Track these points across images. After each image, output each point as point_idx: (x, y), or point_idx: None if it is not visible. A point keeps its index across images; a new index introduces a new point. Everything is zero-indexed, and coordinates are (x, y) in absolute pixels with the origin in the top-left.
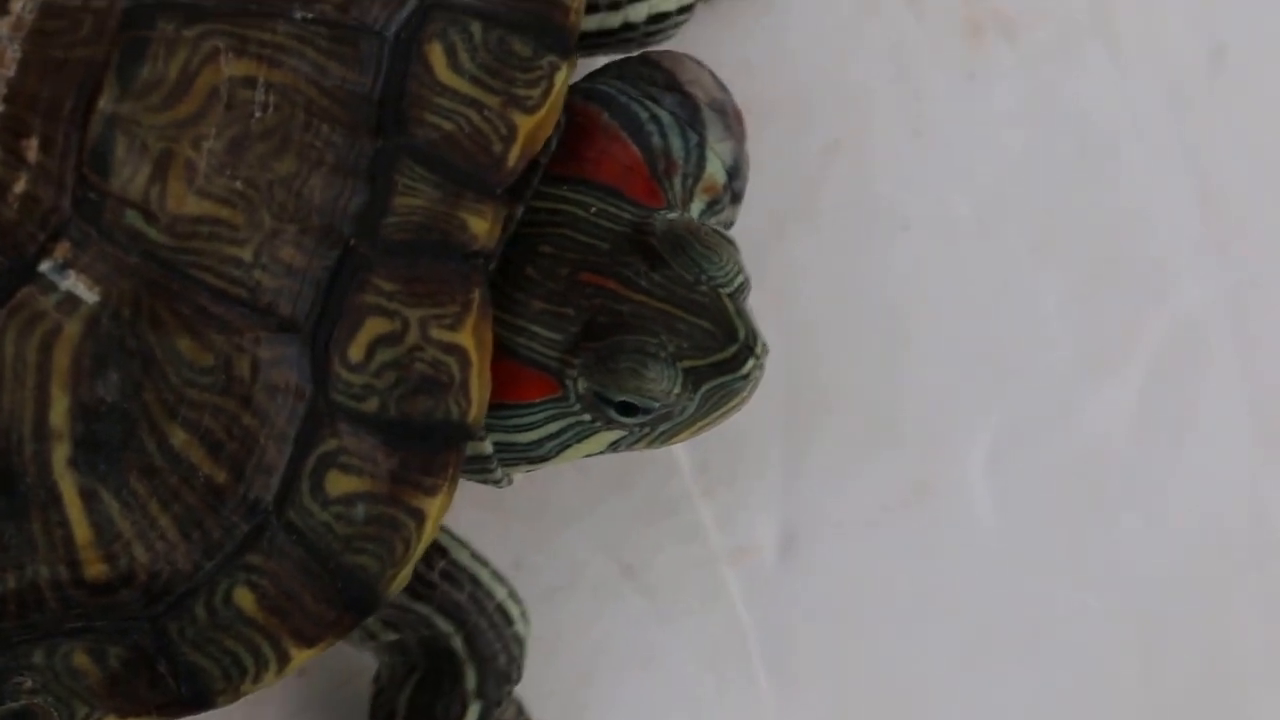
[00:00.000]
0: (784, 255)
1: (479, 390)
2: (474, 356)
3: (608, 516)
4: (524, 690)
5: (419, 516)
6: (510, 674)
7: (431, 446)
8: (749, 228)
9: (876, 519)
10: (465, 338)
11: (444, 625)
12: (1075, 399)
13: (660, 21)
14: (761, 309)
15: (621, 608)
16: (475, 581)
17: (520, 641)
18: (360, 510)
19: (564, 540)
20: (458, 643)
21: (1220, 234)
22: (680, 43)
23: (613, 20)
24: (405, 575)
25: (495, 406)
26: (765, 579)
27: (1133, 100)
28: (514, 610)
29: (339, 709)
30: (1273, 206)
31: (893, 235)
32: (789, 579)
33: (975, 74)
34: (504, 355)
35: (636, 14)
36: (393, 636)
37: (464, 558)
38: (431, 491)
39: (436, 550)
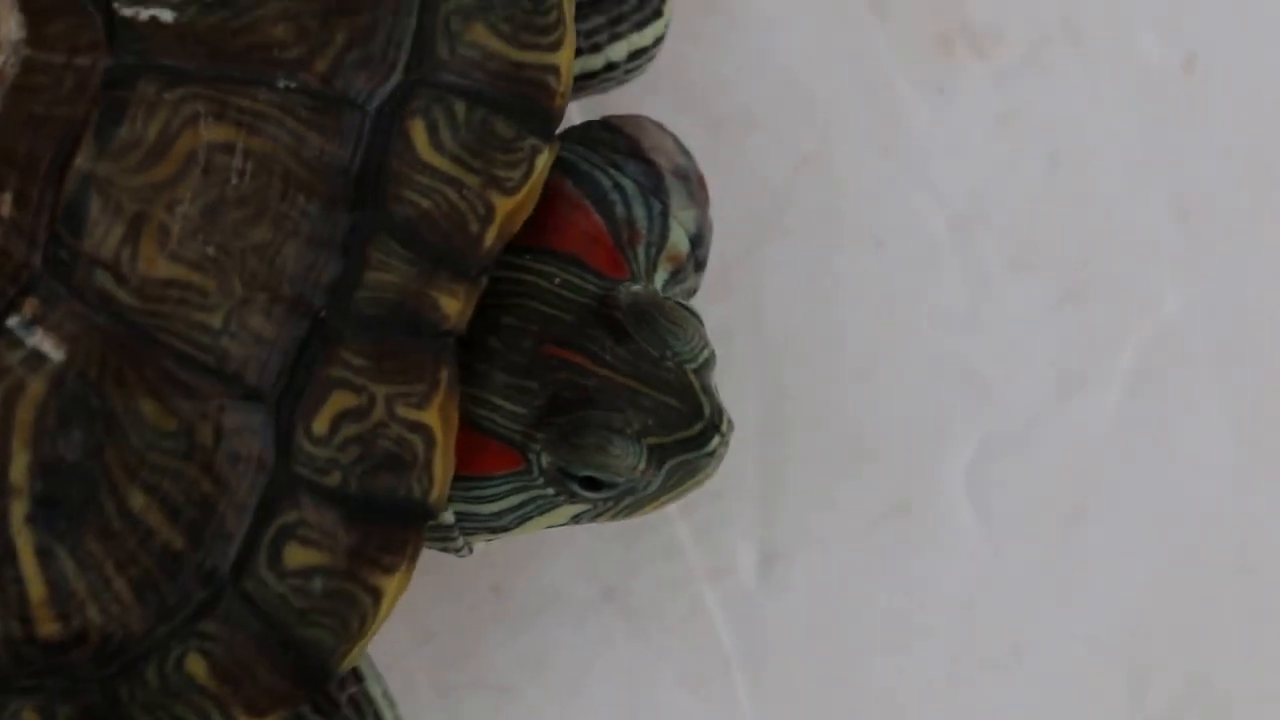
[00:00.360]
0: (757, 271)
1: (442, 470)
2: (439, 436)
3: (586, 538)
4: (509, 711)
5: (376, 594)
6: None
7: (392, 524)
8: (721, 243)
9: (856, 536)
10: (431, 417)
11: None
12: (1054, 412)
13: (639, 57)
14: (735, 325)
15: (602, 629)
16: (378, 717)
17: None
18: (318, 584)
19: (543, 563)
20: None
21: (1197, 244)
22: (652, 61)
23: (595, 62)
24: (359, 651)
25: (458, 477)
26: (745, 598)
27: (1105, 111)
28: None
29: None
30: (1248, 215)
31: (866, 251)
32: (768, 598)
33: (946, 88)
34: (466, 427)
35: (617, 53)
36: None
37: (376, 692)
38: (390, 569)
39: (353, 675)
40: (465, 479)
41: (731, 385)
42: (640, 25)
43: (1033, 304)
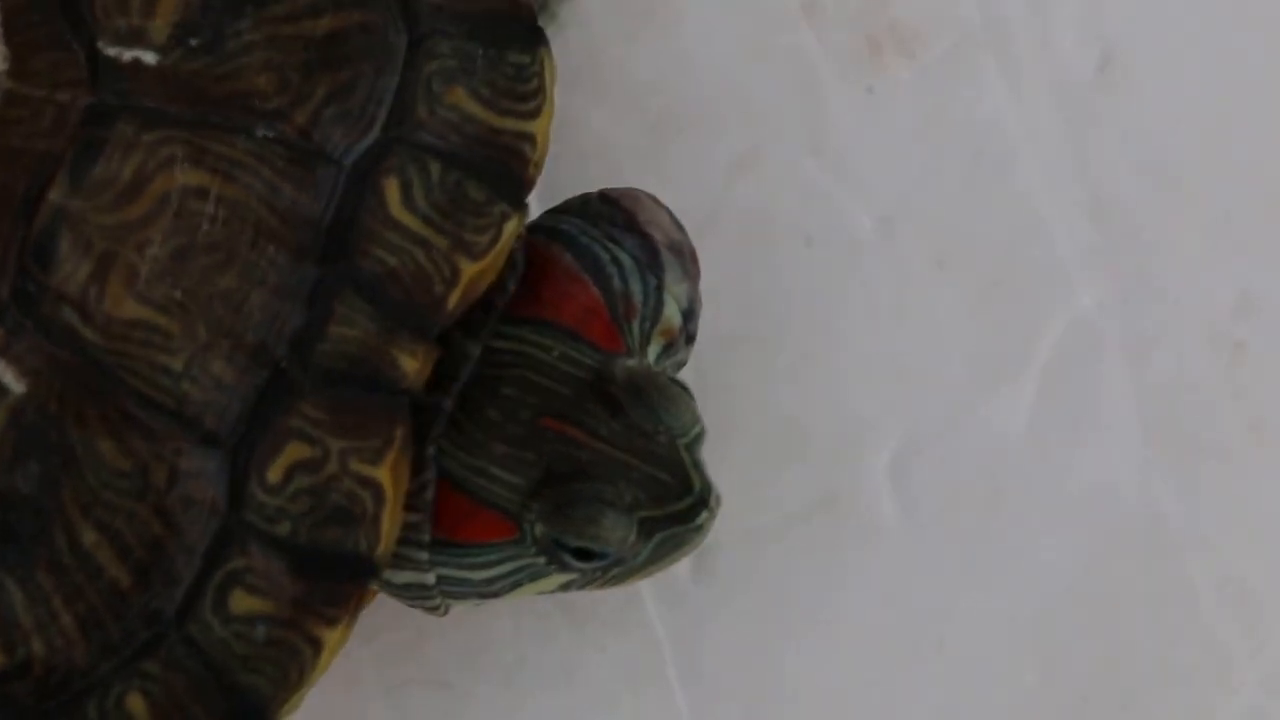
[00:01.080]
0: None
1: (389, 527)
2: (389, 493)
3: None
4: (449, 706)
5: (317, 645)
6: None
7: (337, 577)
8: None
9: (785, 530)
10: (383, 474)
11: None
12: (974, 405)
13: None
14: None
15: (540, 623)
16: None
17: None
18: (260, 631)
19: None
20: None
21: (1111, 240)
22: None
23: None
24: (297, 699)
25: (451, 544)
26: (679, 593)
27: (1026, 112)
28: None
29: None
30: (1160, 211)
31: (796, 250)
32: (702, 591)
33: (874, 89)
34: (461, 493)
35: None
36: None
37: None
38: (332, 622)
39: None
40: (459, 546)
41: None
42: None
43: (954, 301)
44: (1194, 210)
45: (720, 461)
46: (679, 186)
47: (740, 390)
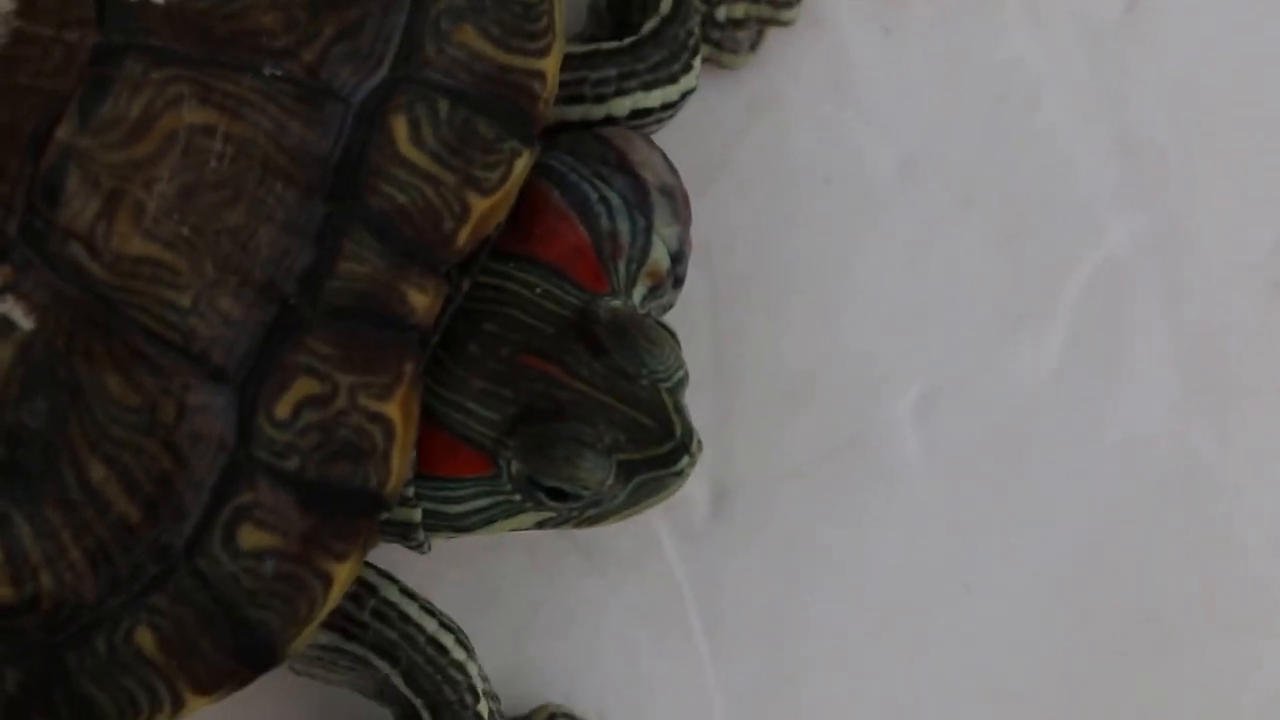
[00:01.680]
0: (708, 211)
1: (400, 462)
2: (399, 429)
3: None
4: None
5: (326, 580)
6: (463, 700)
7: (346, 512)
8: None
9: (807, 471)
10: (393, 409)
11: (381, 665)
12: (1002, 346)
13: (643, 117)
14: (690, 263)
15: (557, 565)
16: (405, 618)
17: (461, 666)
18: (269, 566)
19: None
20: (399, 681)
21: (1141, 179)
22: (661, 125)
23: (596, 112)
24: (307, 634)
25: (427, 477)
26: (698, 534)
27: (1051, 51)
28: (447, 640)
29: None
30: (1190, 149)
31: (814, 190)
32: (721, 533)
33: (892, 29)
34: (439, 428)
35: (620, 108)
36: (349, 670)
37: (393, 594)
38: (341, 557)
39: (365, 588)
40: (434, 479)
41: (683, 324)
42: (648, 86)
43: (979, 242)
44: (1226, 150)
45: (735, 402)
46: (696, 126)
47: (756, 332)
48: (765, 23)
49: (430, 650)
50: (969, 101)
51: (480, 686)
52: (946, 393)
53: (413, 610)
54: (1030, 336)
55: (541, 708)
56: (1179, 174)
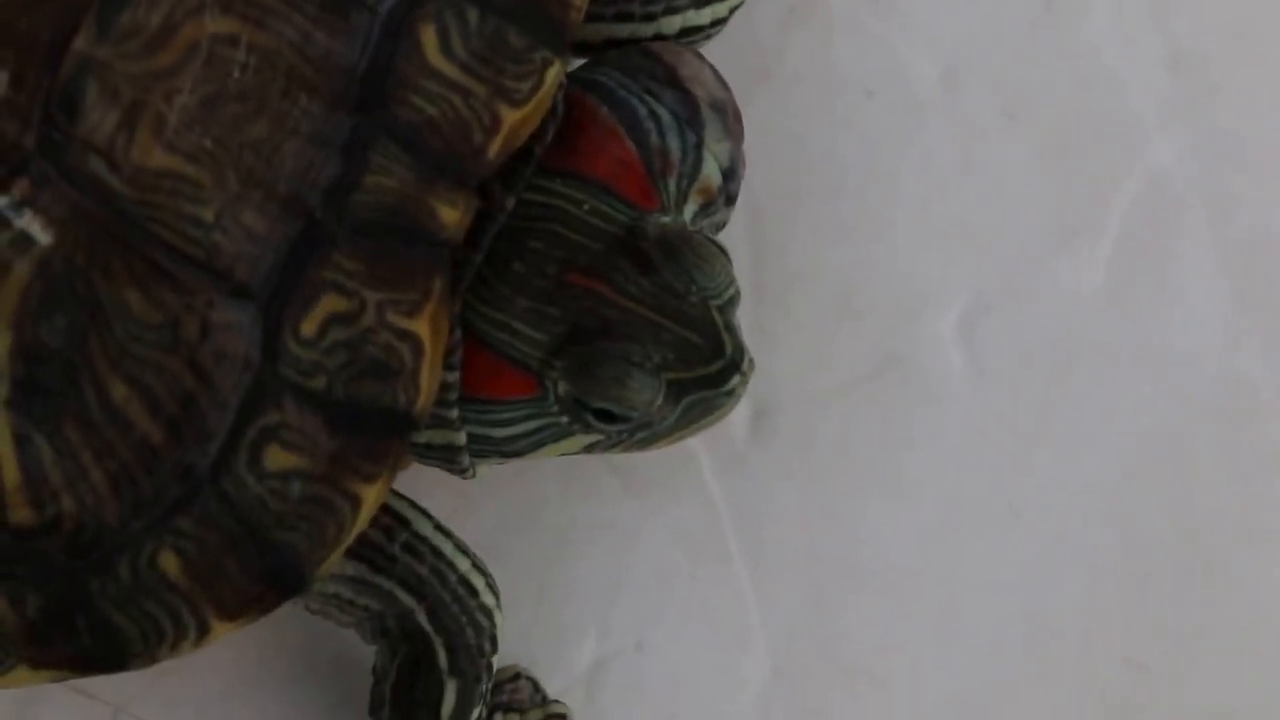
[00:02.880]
0: (748, 125)
1: (429, 380)
2: (428, 346)
3: None
4: (502, 573)
5: (355, 502)
6: (482, 647)
7: (374, 432)
8: None
9: (846, 390)
10: (421, 326)
11: (406, 600)
12: (1048, 261)
13: (693, 34)
14: None
15: (591, 486)
16: (438, 554)
17: (489, 612)
18: (296, 488)
19: None
20: (422, 618)
21: (1190, 92)
22: (709, 40)
23: (645, 30)
24: (334, 558)
25: (472, 400)
26: (735, 454)
27: None
28: (479, 582)
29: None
30: (1241, 62)
31: (856, 102)
32: (760, 453)
33: None
34: (484, 348)
35: (670, 26)
36: (370, 605)
37: (426, 529)
38: (370, 478)
39: (398, 521)
40: (479, 401)
41: (723, 239)
42: (699, 3)
43: (1024, 155)
44: (1275, 60)
45: (777, 320)
46: (731, 38)
47: (797, 248)
48: None
49: (460, 590)
50: (1013, 11)
51: (499, 639)
52: (991, 308)
53: (446, 547)
54: (1077, 251)
55: (509, 667)
56: (1228, 85)
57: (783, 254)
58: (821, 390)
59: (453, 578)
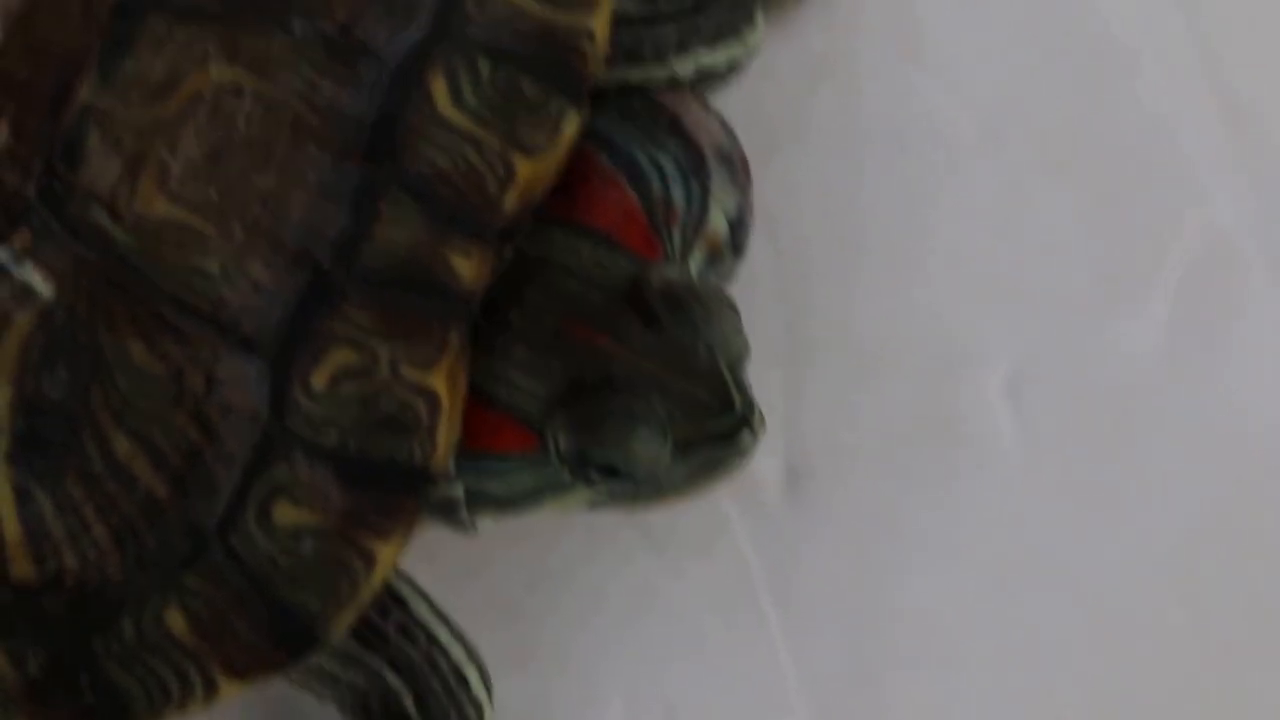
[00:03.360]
0: (775, 178)
1: (446, 436)
2: (445, 401)
3: None
4: (520, 634)
5: (369, 559)
6: None
7: (389, 488)
8: None
9: (887, 452)
10: (438, 380)
11: (394, 682)
12: (1100, 321)
13: (709, 78)
14: (755, 233)
15: (619, 547)
16: (432, 639)
17: (479, 707)
18: (307, 545)
19: None
20: (408, 704)
21: (1247, 144)
22: (726, 85)
23: (658, 73)
24: (348, 618)
25: (470, 454)
26: (770, 516)
27: (1145, 10)
28: (471, 674)
29: None
30: None
31: (889, 156)
32: (796, 516)
33: None
34: (482, 402)
35: (684, 67)
36: (349, 686)
37: (423, 612)
38: (385, 535)
39: (394, 600)
40: (477, 455)
41: (751, 296)
42: (711, 42)
43: (1071, 209)
44: None
45: (809, 376)
46: (755, 89)
47: (830, 304)
48: None
49: (452, 679)
50: (1055, 60)
51: None
52: (1041, 369)
53: (441, 633)
54: (1131, 309)
55: None
56: None
57: (815, 310)
58: (856, 448)
59: (444, 665)
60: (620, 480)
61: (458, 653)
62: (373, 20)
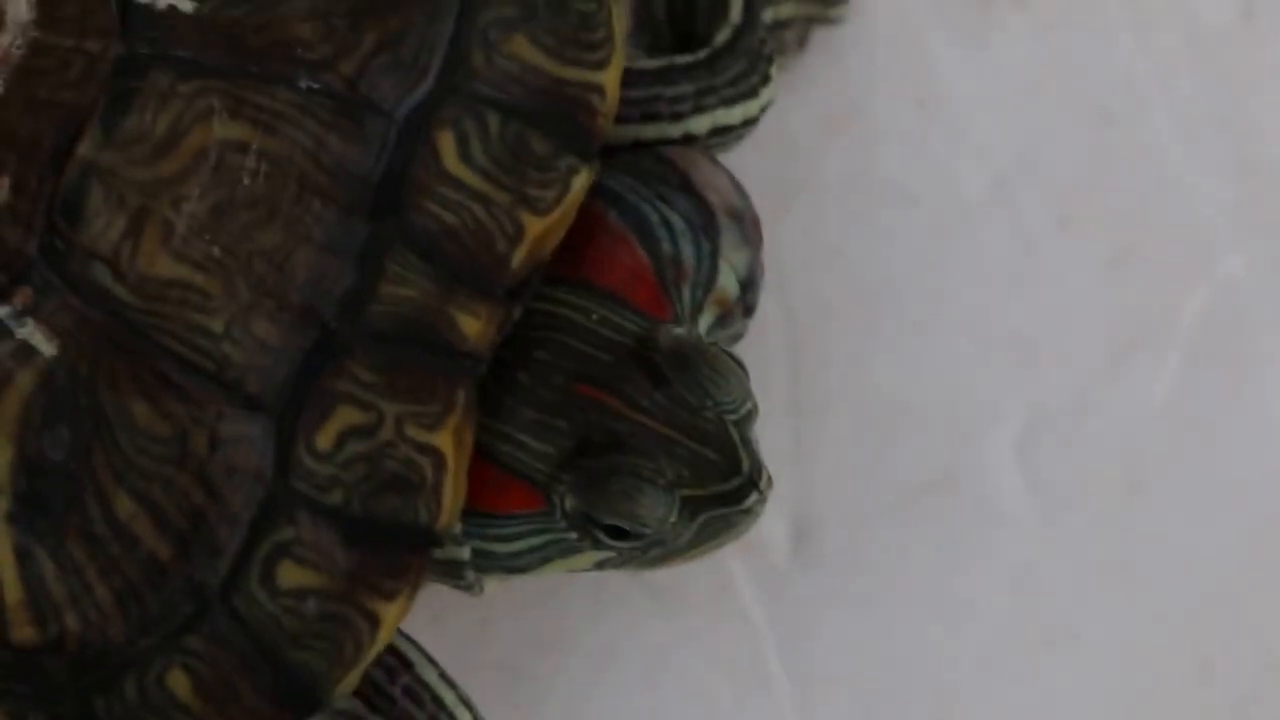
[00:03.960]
0: (786, 234)
1: (452, 496)
2: (451, 461)
3: None
4: (528, 697)
5: (374, 620)
6: None
7: (395, 549)
8: None
9: (895, 510)
10: (444, 440)
11: None
12: (1109, 379)
13: (723, 134)
14: (766, 290)
15: (624, 606)
16: (439, 702)
17: None
18: (311, 606)
19: None
20: None
21: (1257, 200)
22: (741, 140)
23: (673, 131)
24: (352, 680)
25: (476, 514)
26: (777, 576)
27: (1157, 63)
28: None
29: None
30: None
31: (901, 211)
32: (803, 575)
33: (986, 42)
34: (488, 461)
35: (699, 126)
36: None
37: (430, 676)
38: (390, 596)
39: (402, 663)
40: (484, 516)
41: (760, 352)
42: (729, 102)
43: (1083, 265)
44: None
45: (817, 434)
46: (769, 144)
47: (839, 361)
48: (812, 21)
49: None
50: (1067, 116)
51: None
52: (1051, 426)
53: (448, 697)
54: (1142, 365)
55: None
56: None
57: (823, 367)
58: (868, 510)
59: None
60: (627, 541)
61: (464, 717)
62: (379, 75)
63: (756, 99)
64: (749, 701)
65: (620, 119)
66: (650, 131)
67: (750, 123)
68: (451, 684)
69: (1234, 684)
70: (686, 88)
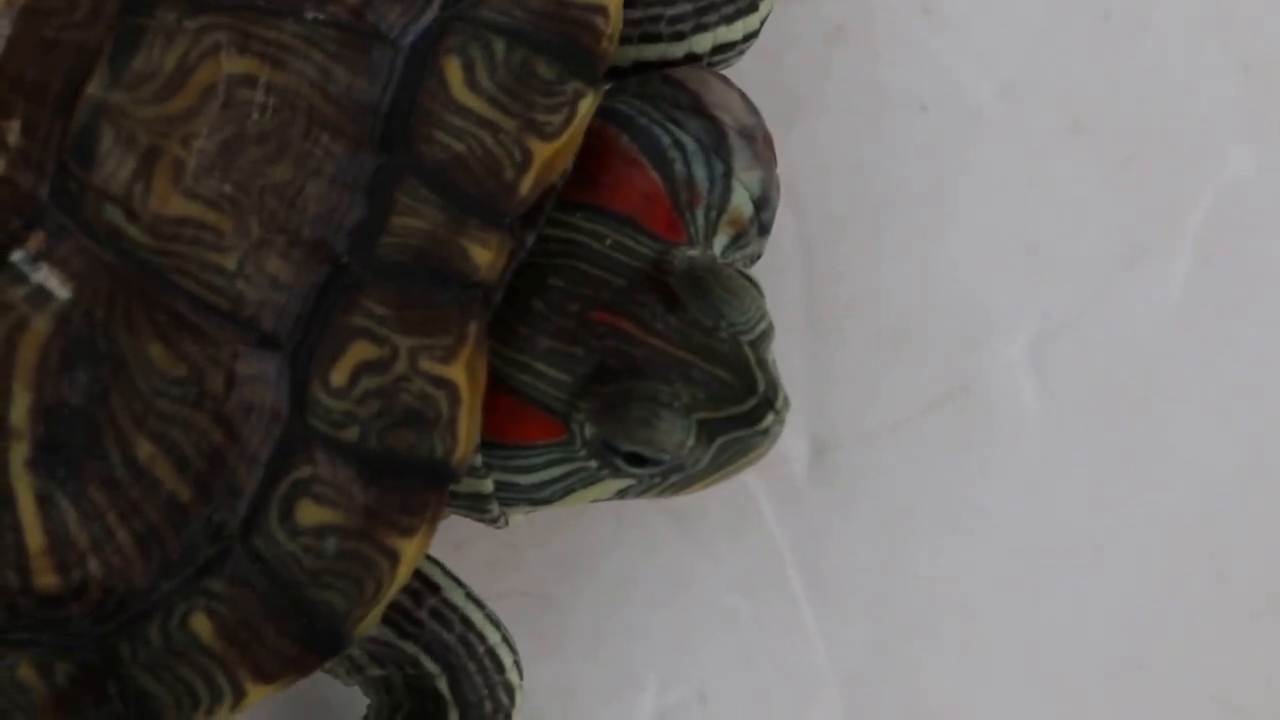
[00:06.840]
0: (794, 147)
1: (467, 429)
2: (465, 393)
3: None
4: (551, 621)
5: (393, 556)
6: None
7: (411, 484)
8: None
9: (911, 423)
10: (457, 372)
11: (430, 666)
12: (1119, 282)
13: (726, 50)
14: (779, 206)
15: (645, 529)
16: (467, 623)
17: (511, 690)
18: (331, 544)
19: None
20: (443, 685)
21: (1263, 98)
22: (741, 56)
23: (676, 50)
24: (374, 616)
25: (497, 446)
26: (795, 493)
27: None
28: (506, 657)
29: None
30: None
31: (909, 120)
32: (823, 492)
33: None
34: (506, 392)
35: (701, 44)
36: (378, 672)
37: (457, 597)
38: (408, 532)
39: (428, 587)
40: (504, 447)
41: (772, 268)
42: (729, 19)
43: (1090, 170)
44: None
45: (833, 352)
46: (772, 58)
47: (852, 275)
48: None
49: (487, 662)
50: (1073, 20)
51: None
52: (1062, 332)
53: (476, 617)
54: (1152, 268)
55: None
56: None
57: (837, 282)
58: (884, 424)
59: (480, 649)
60: (647, 468)
61: (493, 635)
62: (384, 4)
63: (756, 12)
64: (770, 618)
65: (620, 40)
66: (652, 51)
67: (751, 36)
68: (480, 604)
69: (1248, 589)
70: (686, 6)
